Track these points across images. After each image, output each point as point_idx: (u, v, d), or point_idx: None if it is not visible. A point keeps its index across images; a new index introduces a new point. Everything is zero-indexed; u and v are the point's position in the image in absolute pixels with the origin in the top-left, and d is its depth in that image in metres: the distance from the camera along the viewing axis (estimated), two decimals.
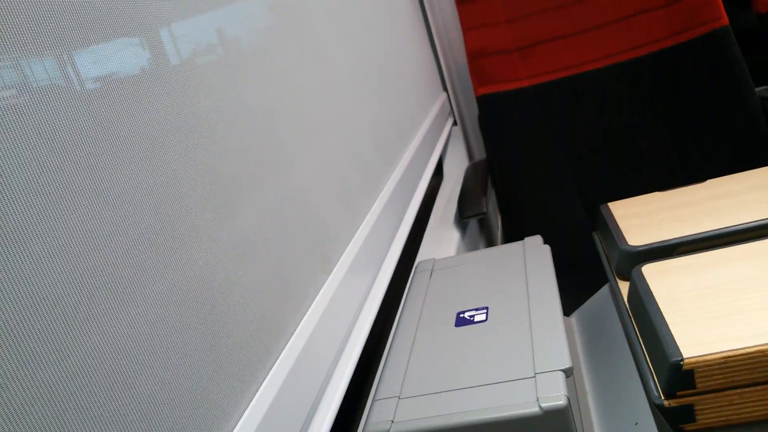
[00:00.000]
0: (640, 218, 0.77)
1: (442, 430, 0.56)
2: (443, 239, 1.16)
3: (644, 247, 0.70)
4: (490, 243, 1.41)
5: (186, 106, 0.47)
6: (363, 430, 0.59)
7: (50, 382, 0.30)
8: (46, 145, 0.33)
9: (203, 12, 0.54)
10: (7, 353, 0.28)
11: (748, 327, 0.52)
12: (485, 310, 0.71)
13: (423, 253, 1.13)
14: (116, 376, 0.35)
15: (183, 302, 0.43)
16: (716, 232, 0.69)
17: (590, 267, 1.36)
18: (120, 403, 0.35)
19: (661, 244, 0.69)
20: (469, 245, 1.25)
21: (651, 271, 0.64)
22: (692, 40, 1.35)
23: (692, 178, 1.36)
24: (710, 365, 0.50)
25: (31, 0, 0.34)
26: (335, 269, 0.70)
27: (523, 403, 0.55)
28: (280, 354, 0.55)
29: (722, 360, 0.50)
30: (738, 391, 0.51)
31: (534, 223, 1.43)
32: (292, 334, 0.58)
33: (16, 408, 0.28)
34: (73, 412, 0.31)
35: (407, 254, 1.10)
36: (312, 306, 0.63)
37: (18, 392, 0.29)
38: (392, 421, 0.58)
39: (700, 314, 0.56)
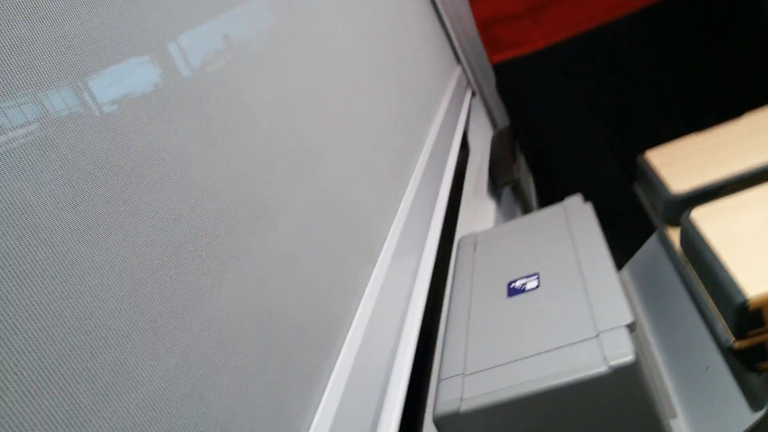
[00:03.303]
0: (681, 163, 0.76)
1: (512, 401, 0.56)
2: (479, 211, 1.15)
3: (690, 193, 0.69)
4: (526, 208, 1.40)
5: (212, 118, 0.48)
6: (434, 411, 0.59)
7: (137, 402, 0.31)
8: (82, 172, 0.34)
9: (210, 23, 0.54)
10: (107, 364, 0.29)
11: None
12: (536, 277, 0.71)
13: (462, 228, 1.12)
14: (188, 393, 0.36)
15: (242, 315, 0.43)
16: (761, 167, 0.67)
17: (631, 219, 1.34)
18: (197, 419, 0.36)
19: (707, 187, 0.68)
20: (506, 213, 1.24)
21: (701, 215, 0.63)
22: None
23: (726, 114, 1.33)
24: None
25: (42, 29, 0.35)
26: (380, 256, 0.70)
27: (590, 364, 0.54)
28: (341, 348, 0.55)
29: None
30: None
31: (567, 181, 1.41)
32: (350, 327, 0.59)
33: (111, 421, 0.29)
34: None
35: (446, 231, 1.10)
36: (364, 297, 0.63)
37: (113, 409, 0.29)
38: (461, 399, 0.58)
39: (757, 251, 0.54)
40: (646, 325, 0.71)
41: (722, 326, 0.53)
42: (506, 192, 1.32)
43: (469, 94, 1.61)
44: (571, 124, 1.40)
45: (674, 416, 0.58)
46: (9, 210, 0.28)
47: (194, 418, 0.35)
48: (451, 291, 0.78)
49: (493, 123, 1.72)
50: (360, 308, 0.62)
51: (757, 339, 0.51)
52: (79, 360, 0.29)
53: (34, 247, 0.29)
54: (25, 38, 0.33)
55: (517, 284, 0.72)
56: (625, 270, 0.83)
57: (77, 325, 0.29)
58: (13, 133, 0.30)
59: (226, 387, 0.39)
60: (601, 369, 0.53)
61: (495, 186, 1.22)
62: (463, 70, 1.67)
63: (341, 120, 0.73)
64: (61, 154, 0.32)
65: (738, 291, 0.51)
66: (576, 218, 0.80)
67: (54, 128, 0.32)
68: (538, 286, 0.69)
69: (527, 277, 0.72)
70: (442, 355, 0.66)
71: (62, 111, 0.34)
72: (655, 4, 1.34)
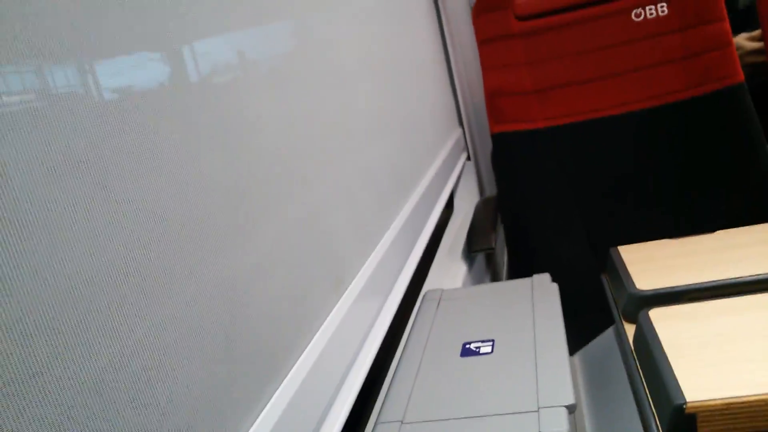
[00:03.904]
0: (649, 263, 0.78)
1: None
2: (450, 271, 1.17)
3: (652, 292, 0.71)
4: (495, 278, 1.43)
5: (205, 126, 0.49)
6: None
7: (73, 382, 0.32)
8: (65, 152, 0.35)
9: (225, 35, 0.56)
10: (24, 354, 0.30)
11: (752, 376, 0.53)
12: (491, 343, 0.72)
13: (430, 283, 1.14)
14: (137, 377, 0.36)
15: (205, 310, 0.44)
16: (724, 282, 0.70)
17: (594, 308, 1.37)
18: (139, 403, 0.36)
19: (669, 290, 0.71)
20: (475, 278, 1.26)
21: (658, 316, 0.65)
22: (707, 95, 1.37)
23: (698, 228, 1.38)
24: (712, 411, 0.51)
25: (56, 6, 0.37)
26: (347, 292, 0.72)
27: None
28: (289, 370, 0.56)
29: (724, 406, 0.51)
30: None
31: (540, 261, 1.44)
32: (303, 351, 0.59)
33: (35, 412, 0.30)
34: (95, 413, 0.33)
35: (414, 282, 1.11)
36: (323, 326, 0.64)
37: (39, 395, 0.30)
38: None
39: (704, 360, 0.57)
40: (585, 413, 0.73)
41: (656, 426, 0.55)
42: (480, 258, 1.34)
43: (463, 157, 1.65)
44: (552, 206, 1.44)
45: None
46: None
47: (130, 409, 0.35)
48: (407, 340, 0.79)
49: (481, 190, 1.76)
50: (316, 336, 0.62)
51: None
52: (32, 331, 0.30)
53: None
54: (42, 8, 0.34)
55: (472, 346, 0.73)
56: (577, 355, 0.85)
57: (38, 300, 0.30)
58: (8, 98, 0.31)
59: (174, 376, 0.39)
60: None
61: (470, 250, 1.24)
62: (463, 133, 1.72)
63: (339, 154, 0.75)
64: (52, 127, 0.33)
65: (678, 392, 0.53)
66: (541, 295, 0.82)
67: (49, 101, 0.33)
68: (491, 352, 0.71)
69: (483, 341, 0.74)
70: (384, 399, 0.67)
71: (61, 86, 0.34)
72: (656, 107, 1.40)
